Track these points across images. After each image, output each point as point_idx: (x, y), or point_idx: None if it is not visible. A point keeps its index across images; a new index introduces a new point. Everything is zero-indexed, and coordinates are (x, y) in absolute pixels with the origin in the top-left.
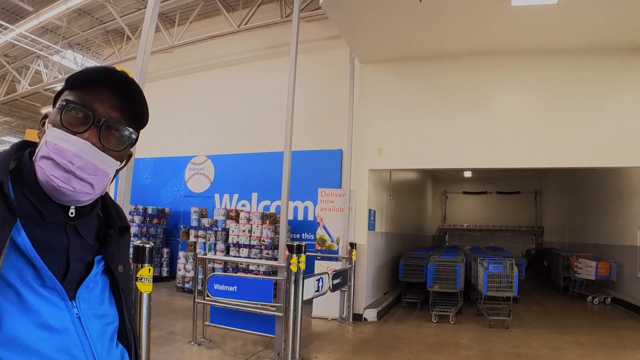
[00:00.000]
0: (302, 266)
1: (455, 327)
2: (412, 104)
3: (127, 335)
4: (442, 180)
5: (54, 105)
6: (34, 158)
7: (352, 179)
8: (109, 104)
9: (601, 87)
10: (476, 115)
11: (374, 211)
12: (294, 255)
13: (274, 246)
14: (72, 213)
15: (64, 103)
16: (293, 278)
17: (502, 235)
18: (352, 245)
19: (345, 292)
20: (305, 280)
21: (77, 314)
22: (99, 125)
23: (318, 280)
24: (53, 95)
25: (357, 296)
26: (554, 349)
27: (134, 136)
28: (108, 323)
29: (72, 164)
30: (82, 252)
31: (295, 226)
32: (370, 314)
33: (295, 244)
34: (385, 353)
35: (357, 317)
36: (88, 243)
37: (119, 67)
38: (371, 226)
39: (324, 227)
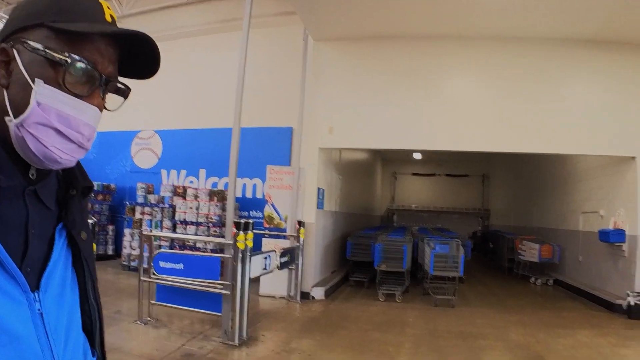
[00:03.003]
0: (250, 244)
1: (402, 306)
2: (365, 84)
3: (91, 313)
4: (391, 161)
5: (17, 43)
6: (9, 119)
7: (301, 157)
8: (107, 56)
9: (551, 76)
10: (428, 98)
11: (323, 190)
12: (241, 232)
13: (222, 224)
14: (32, 175)
15: (69, 60)
16: (240, 256)
17: (450, 216)
18: (301, 224)
19: (293, 271)
20: (253, 258)
21: (39, 310)
22: (104, 85)
23: (265, 258)
24: None
25: (305, 274)
26: (497, 327)
27: (128, 93)
28: (72, 312)
29: (82, 134)
30: (43, 224)
31: (244, 204)
32: (318, 293)
33: (242, 221)
34: (333, 331)
35: (305, 296)
36: (48, 209)
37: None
38: (320, 205)
39: (272, 205)
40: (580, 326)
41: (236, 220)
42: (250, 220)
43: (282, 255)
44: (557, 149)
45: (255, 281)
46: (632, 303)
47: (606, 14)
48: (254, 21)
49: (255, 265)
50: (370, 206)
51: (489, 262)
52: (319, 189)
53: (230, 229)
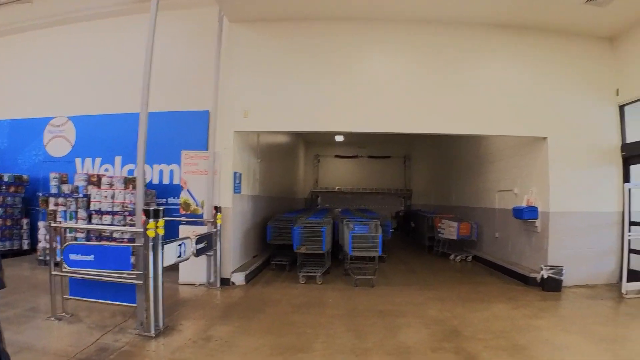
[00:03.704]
0: (161, 231)
1: (323, 288)
2: (282, 66)
3: None
4: (314, 144)
5: None
6: None
7: (217, 141)
8: None
9: (468, 59)
10: (348, 80)
11: (240, 174)
12: (151, 220)
13: None
14: None
15: None
16: (151, 244)
17: (373, 197)
18: (217, 209)
19: (212, 257)
20: (166, 246)
21: None
22: None
23: (180, 245)
24: None
25: (224, 260)
26: (416, 304)
27: None
28: None
29: None
30: None
31: (161, 190)
32: (238, 278)
33: (152, 209)
34: (252, 316)
35: (225, 282)
36: None
37: None
38: (237, 189)
39: (188, 191)
40: (497, 300)
41: (145, 207)
42: (161, 207)
43: (198, 241)
44: (473, 130)
45: (173, 269)
46: (545, 276)
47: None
48: (170, 2)
49: (169, 254)
50: (294, 189)
51: (411, 241)
52: (235, 173)
53: (139, 217)
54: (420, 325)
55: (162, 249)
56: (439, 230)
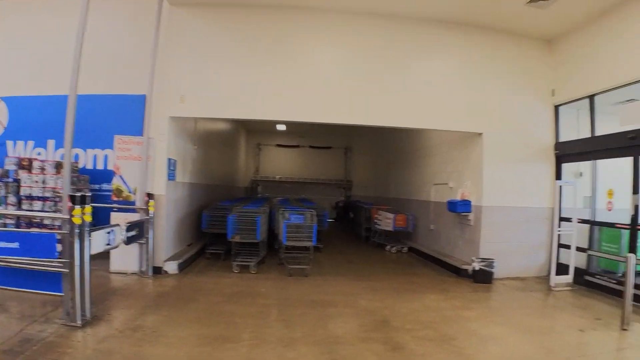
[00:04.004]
0: (88, 218)
1: (256, 277)
2: (223, 52)
3: None
4: (256, 132)
5: None
6: None
7: (152, 126)
8: None
9: (410, 53)
10: (289, 70)
11: (175, 161)
12: (77, 206)
13: None
14: None
15: None
16: (77, 231)
17: (314, 187)
18: (150, 196)
19: (144, 245)
20: (93, 234)
21: None
22: None
23: (109, 232)
24: None
25: (157, 249)
26: (349, 294)
27: None
28: None
29: None
30: None
31: (95, 176)
32: (171, 267)
33: (78, 194)
34: (182, 305)
35: (158, 270)
36: None
37: None
38: (171, 176)
39: (121, 177)
40: (429, 291)
41: (71, 193)
42: (88, 194)
43: (129, 229)
44: (412, 123)
45: (104, 257)
46: (477, 268)
47: None
48: None
49: (96, 241)
50: (233, 177)
51: (350, 231)
52: (169, 159)
53: (66, 203)
54: (351, 316)
55: (89, 236)
56: (375, 221)
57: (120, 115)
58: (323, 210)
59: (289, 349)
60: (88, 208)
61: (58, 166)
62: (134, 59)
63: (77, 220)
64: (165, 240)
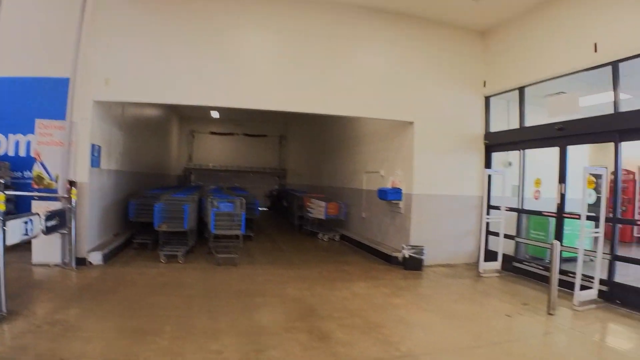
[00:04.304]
0: (1, 207)
1: (184, 267)
2: (152, 34)
3: None
4: (189, 119)
5: None
6: None
7: (76, 110)
8: None
9: (343, 41)
10: (221, 55)
11: (99, 147)
12: None
13: None
14: None
15: None
16: None
17: (248, 176)
18: (72, 184)
19: (67, 235)
20: (8, 223)
21: None
22: None
23: (26, 222)
24: None
25: (80, 239)
26: (277, 283)
27: None
28: None
29: None
30: None
31: (18, 163)
32: (96, 257)
33: None
34: (104, 298)
35: (82, 262)
36: None
37: None
38: (95, 163)
39: (42, 164)
40: (359, 279)
41: None
42: (1, 181)
43: (49, 218)
44: (344, 111)
45: (26, 249)
46: (407, 255)
47: None
48: None
49: (12, 231)
50: (165, 165)
51: (283, 220)
52: (93, 145)
53: None
54: (277, 305)
55: (4, 226)
56: (308, 209)
57: (44, 98)
58: (254, 198)
59: (212, 340)
60: (1, 196)
61: None
62: (58, 39)
63: None
64: (89, 229)
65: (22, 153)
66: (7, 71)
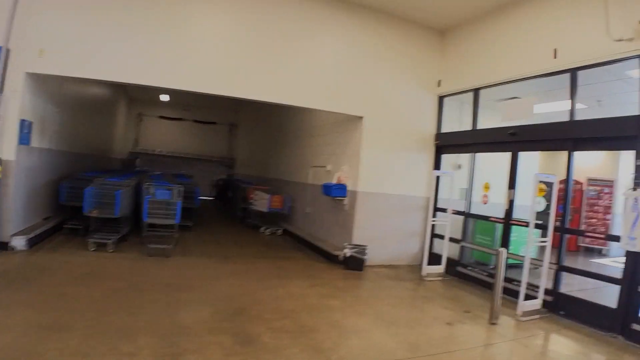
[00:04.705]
0: None
1: (113, 257)
2: (96, 6)
3: None
4: (138, 101)
5: None
6: None
7: (6, 82)
8: None
9: (298, 30)
10: (171, 33)
11: (31, 122)
12: None
13: None
14: None
15: None
16: None
17: (196, 163)
18: None
19: None
20: None
21: None
22: None
23: None
24: None
25: (4, 221)
26: (209, 278)
27: None
28: None
29: None
30: None
31: None
32: (19, 242)
33: None
34: (20, 287)
35: (4, 246)
36: None
37: None
38: (24, 140)
39: None
40: (297, 277)
41: None
42: None
43: None
44: (292, 101)
45: None
46: (348, 255)
47: None
48: None
49: None
50: (108, 147)
51: (227, 211)
52: (23, 121)
53: None
54: (205, 302)
55: None
56: (251, 201)
57: None
58: (195, 186)
59: (127, 340)
60: None
61: None
62: None
63: None
64: (13, 212)
65: None
66: None
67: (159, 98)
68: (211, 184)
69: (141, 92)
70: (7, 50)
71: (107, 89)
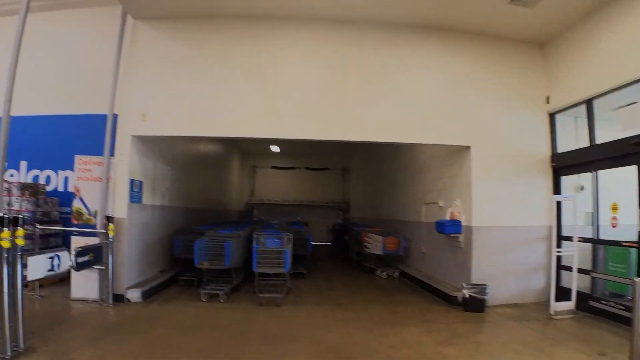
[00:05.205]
0: (20, 242)
1: (224, 307)
2: (189, 67)
3: None
4: (250, 154)
5: None
6: None
7: (116, 146)
8: None
9: (393, 63)
10: (262, 83)
11: (140, 182)
12: (5, 228)
13: (39, 220)
14: None
15: None
16: (5, 256)
17: (311, 210)
18: (109, 219)
19: (104, 271)
20: (31, 259)
21: None
22: None
23: (52, 258)
24: None
25: (119, 275)
26: (318, 327)
27: None
28: None
29: None
30: None
31: (66, 198)
32: (134, 295)
33: (6, 216)
34: (129, 338)
35: (120, 298)
36: None
37: None
38: (135, 198)
39: (81, 199)
40: (411, 322)
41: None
42: (21, 215)
43: (80, 254)
44: (396, 138)
45: (64, 284)
46: (467, 296)
47: None
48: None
49: (35, 267)
50: (225, 200)
51: (344, 255)
52: (132, 180)
53: None
54: (310, 354)
55: (24, 261)
56: (365, 244)
57: (85, 135)
58: (307, 234)
59: None
60: (20, 231)
61: (24, 188)
62: (97, 77)
63: (5, 244)
64: (127, 266)
65: (72, 189)
66: (52, 109)
67: (269, 150)
68: (328, 229)
69: (252, 144)
70: (115, 116)
71: (218, 146)
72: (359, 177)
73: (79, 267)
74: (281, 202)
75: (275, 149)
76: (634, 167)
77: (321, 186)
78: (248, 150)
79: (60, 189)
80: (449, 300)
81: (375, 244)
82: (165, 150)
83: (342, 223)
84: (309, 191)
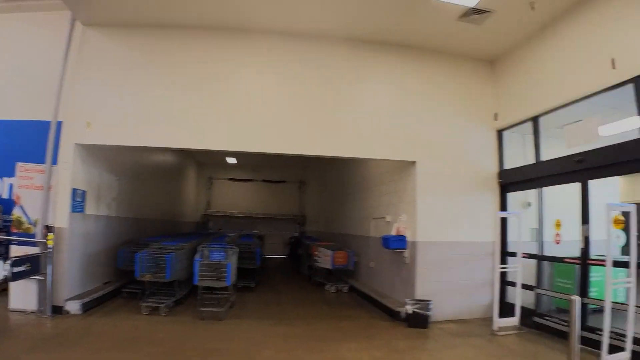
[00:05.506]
0: None
1: (164, 321)
2: (138, 76)
3: None
4: (206, 165)
5: None
6: None
7: (60, 154)
8: None
9: (343, 77)
10: (215, 96)
11: (83, 191)
12: None
13: None
14: None
15: None
16: None
17: (268, 222)
18: (49, 229)
19: (43, 282)
20: None
21: None
22: None
23: None
24: None
25: (58, 286)
26: (255, 342)
27: None
28: None
29: None
30: None
31: (10, 206)
32: (73, 306)
33: None
34: (62, 350)
35: (59, 310)
36: None
37: None
38: (77, 208)
39: (21, 207)
40: (352, 338)
41: None
42: None
43: (16, 263)
44: (347, 152)
45: (3, 295)
46: (410, 311)
47: (383, 14)
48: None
49: None
50: (179, 212)
51: (297, 269)
52: (75, 190)
53: None
54: None
55: None
56: (315, 258)
57: (28, 142)
58: (256, 246)
59: None
60: None
61: None
62: (43, 82)
63: None
64: (67, 277)
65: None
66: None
67: (226, 161)
68: (284, 242)
69: (208, 156)
70: (60, 123)
71: (173, 156)
72: (315, 191)
73: (15, 277)
74: (237, 215)
75: (231, 160)
76: (578, 184)
77: (278, 199)
78: (204, 162)
79: (5, 196)
80: (393, 315)
81: (324, 258)
82: (113, 159)
83: (297, 236)
84: (266, 204)
